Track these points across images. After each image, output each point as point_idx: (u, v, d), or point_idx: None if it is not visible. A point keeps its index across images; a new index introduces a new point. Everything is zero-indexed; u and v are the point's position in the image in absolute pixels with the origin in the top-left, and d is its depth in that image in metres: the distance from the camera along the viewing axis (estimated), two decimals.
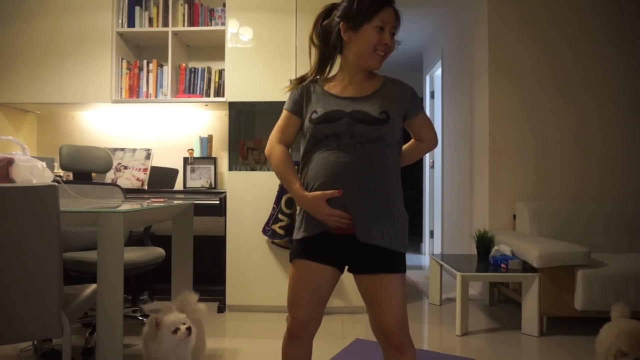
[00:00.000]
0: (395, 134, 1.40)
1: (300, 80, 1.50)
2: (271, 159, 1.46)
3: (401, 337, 1.37)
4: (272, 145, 1.47)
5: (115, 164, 3.48)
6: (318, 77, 1.50)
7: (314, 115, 1.39)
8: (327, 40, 1.46)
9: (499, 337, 2.78)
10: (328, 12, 1.48)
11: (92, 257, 2.32)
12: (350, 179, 1.34)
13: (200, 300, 2.03)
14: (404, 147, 1.52)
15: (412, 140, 1.56)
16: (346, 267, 1.45)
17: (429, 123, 1.51)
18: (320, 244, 1.40)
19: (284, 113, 1.48)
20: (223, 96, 3.41)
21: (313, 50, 1.51)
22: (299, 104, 1.45)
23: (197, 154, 3.62)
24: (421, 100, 1.48)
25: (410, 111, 1.45)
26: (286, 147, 1.47)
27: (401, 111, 1.42)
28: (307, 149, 1.43)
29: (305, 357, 1.48)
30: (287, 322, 1.45)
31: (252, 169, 3.47)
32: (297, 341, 1.45)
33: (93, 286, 1.92)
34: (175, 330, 1.72)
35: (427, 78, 5.74)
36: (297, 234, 1.44)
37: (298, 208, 1.46)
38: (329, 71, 1.51)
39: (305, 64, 3.24)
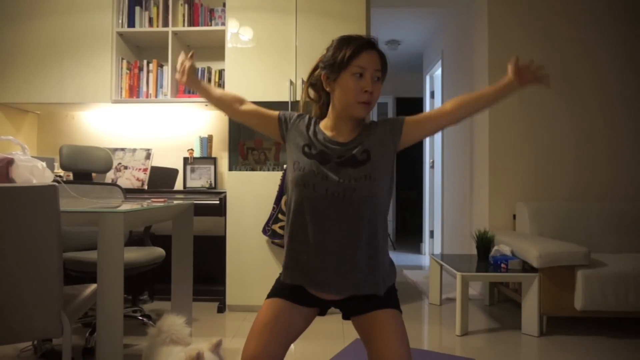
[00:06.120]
0: (382, 171, 1.31)
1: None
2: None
3: None
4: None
5: (115, 164, 3.47)
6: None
7: (306, 149, 1.33)
8: (319, 93, 1.42)
9: (499, 337, 2.78)
10: (316, 67, 1.41)
11: (92, 257, 2.32)
12: (338, 236, 1.29)
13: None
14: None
15: (441, 112, 1.38)
16: (332, 312, 1.42)
17: (425, 113, 1.39)
18: (305, 292, 1.37)
19: (274, 112, 1.43)
20: None
21: (312, 97, 1.46)
22: (290, 122, 1.40)
23: (197, 154, 3.62)
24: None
25: (395, 129, 1.35)
26: (240, 102, 1.45)
27: (386, 145, 1.34)
28: (294, 184, 1.32)
29: None
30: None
31: (252, 169, 3.47)
32: None
33: (93, 286, 1.91)
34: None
35: (427, 78, 5.74)
36: (283, 277, 1.41)
37: (285, 243, 1.41)
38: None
39: (305, 64, 3.25)
